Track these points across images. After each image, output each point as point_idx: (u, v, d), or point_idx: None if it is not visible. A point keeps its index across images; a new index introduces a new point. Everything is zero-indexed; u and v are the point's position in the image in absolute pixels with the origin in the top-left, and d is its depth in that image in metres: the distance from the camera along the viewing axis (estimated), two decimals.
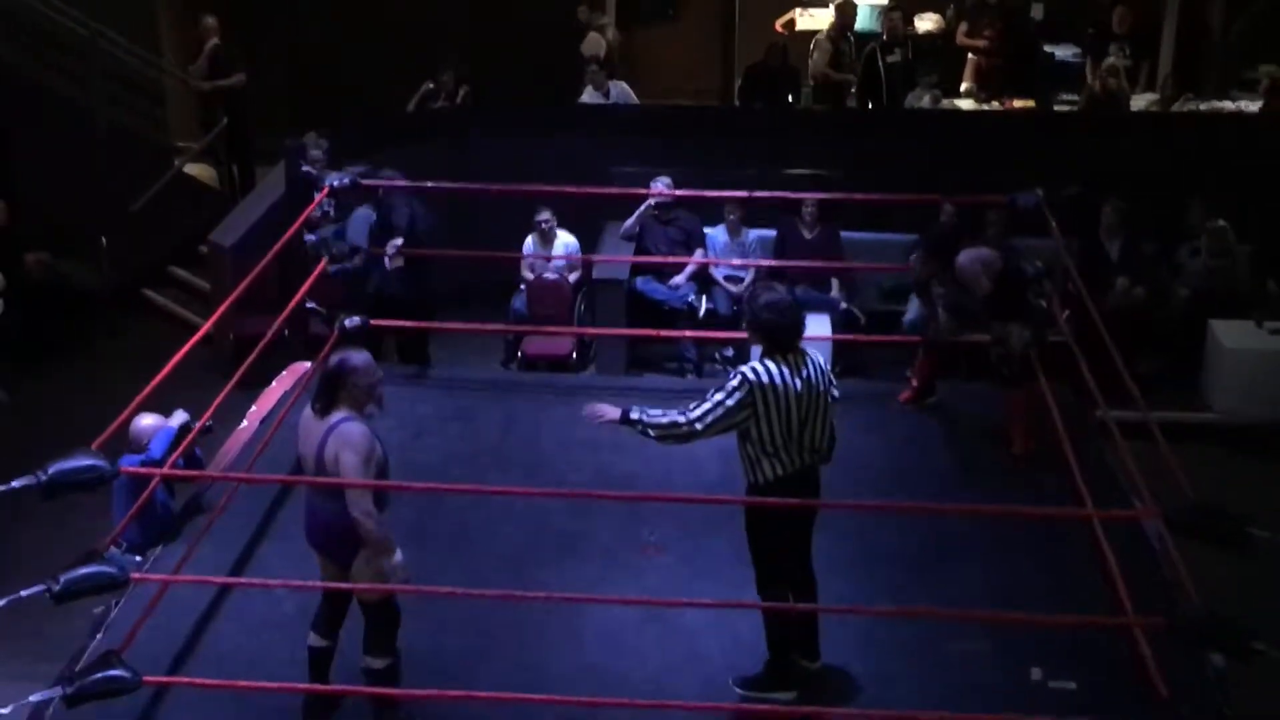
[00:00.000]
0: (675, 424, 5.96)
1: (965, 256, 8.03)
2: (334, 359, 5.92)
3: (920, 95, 14.27)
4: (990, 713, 5.92)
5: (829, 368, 6.28)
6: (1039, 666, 6.33)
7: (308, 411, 5.98)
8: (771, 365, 6.00)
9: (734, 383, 5.96)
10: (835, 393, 6.22)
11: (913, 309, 11.32)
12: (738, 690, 6.22)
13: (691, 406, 5.98)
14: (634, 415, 6.03)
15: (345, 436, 5.76)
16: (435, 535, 7.37)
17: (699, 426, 5.94)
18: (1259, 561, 5.99)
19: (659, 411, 6.03)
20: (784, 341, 6.06)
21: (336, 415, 5.82)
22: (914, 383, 8.74)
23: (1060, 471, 7.63)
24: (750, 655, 6.42)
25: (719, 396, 5.96)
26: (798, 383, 5.99)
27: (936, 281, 8.38)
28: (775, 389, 5.94)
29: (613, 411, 6.10)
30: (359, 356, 5.93)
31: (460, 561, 7.10)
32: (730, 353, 11.80)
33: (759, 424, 5.95)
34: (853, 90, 14.84)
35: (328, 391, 5.86)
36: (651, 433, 6.02)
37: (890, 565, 7.11)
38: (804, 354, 6.10)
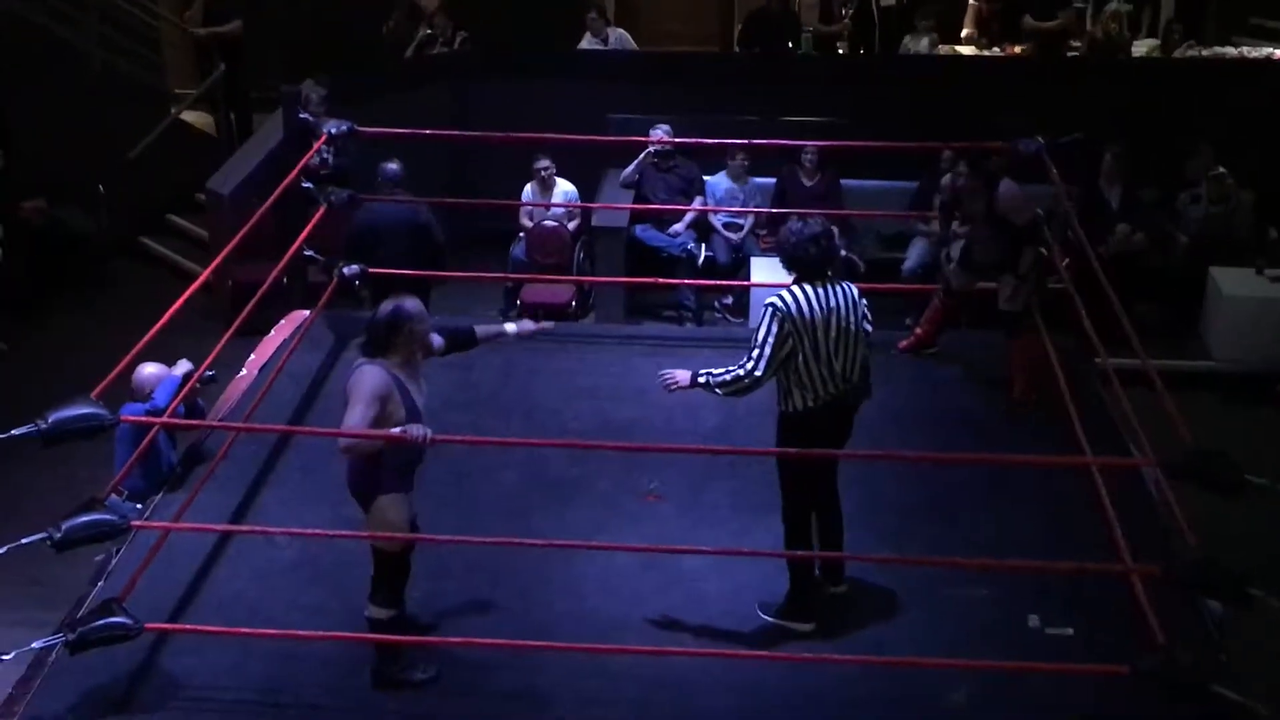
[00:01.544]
0: (738, 378, 6.10)
1: (1009, 184, 8.02)
2: (387, 306, 5.87)
3: (918, 39, 14.20)
4: (988, 659, 5.94)
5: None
6: (1036, 613, 6.36)
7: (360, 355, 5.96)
8: (798, 293, 6.13)
9: (766, 317, 6.10)
10: (868, 326, 6.32)
11: (913, 256, 11.31)
12: (761, 613, 6.34)
13: (744, 358, 6.10)
14: (701, 379, 6.18)
15: (357, 379, 5.77)
16: (434, 483, 7.36)
17: (757, 373, 6.08)
18: (1257, 508, 6.02)
19: (722, 370, 6.14)
20: (812, 271, 6.18)
21: (368, 359, 5.82)
22: (917, 332, 8.71)
23: (1059, 419, 7.63)
24: (750, 601, 6.45)
25: (759, 336, 6.10)
26: (826, 311, 6.11)
27: (958, 222, 8.31)
28: (802, 316, 6.07)
29: (684, 377, 6.24)
30: (412, 303, 5.89)
31: (459, 509, 7.10)
32: (729, 300, 11.80)
33: (796, 348, 6.10)
34: (844, 36, 14.79)
35: (382, 338, 5.82)
36: (719, 391, 6.16)
37: (889, 513, 7.12)
38: (836, 285, 6.22)
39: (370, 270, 9.00)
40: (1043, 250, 8.65)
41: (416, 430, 5.70)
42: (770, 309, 6.09)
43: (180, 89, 14.81)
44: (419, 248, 9.59)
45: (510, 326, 6.75)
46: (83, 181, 12.63)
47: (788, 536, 6.41)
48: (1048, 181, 8.82)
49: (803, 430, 6.25)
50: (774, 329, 6.06)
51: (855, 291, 6.30)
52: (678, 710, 5.85)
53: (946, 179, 8.30)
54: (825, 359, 6.14)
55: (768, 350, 6.06)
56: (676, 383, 6.27)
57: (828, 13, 14.99)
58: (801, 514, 6.41)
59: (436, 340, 6.26)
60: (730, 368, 6.12)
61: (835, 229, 6.37)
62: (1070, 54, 14.66)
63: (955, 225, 8.46)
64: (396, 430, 5.72)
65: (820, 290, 6.15)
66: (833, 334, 6.13)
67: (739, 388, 6.12)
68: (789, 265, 6.28)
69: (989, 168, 8.20)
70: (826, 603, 6.45)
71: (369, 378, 5.75)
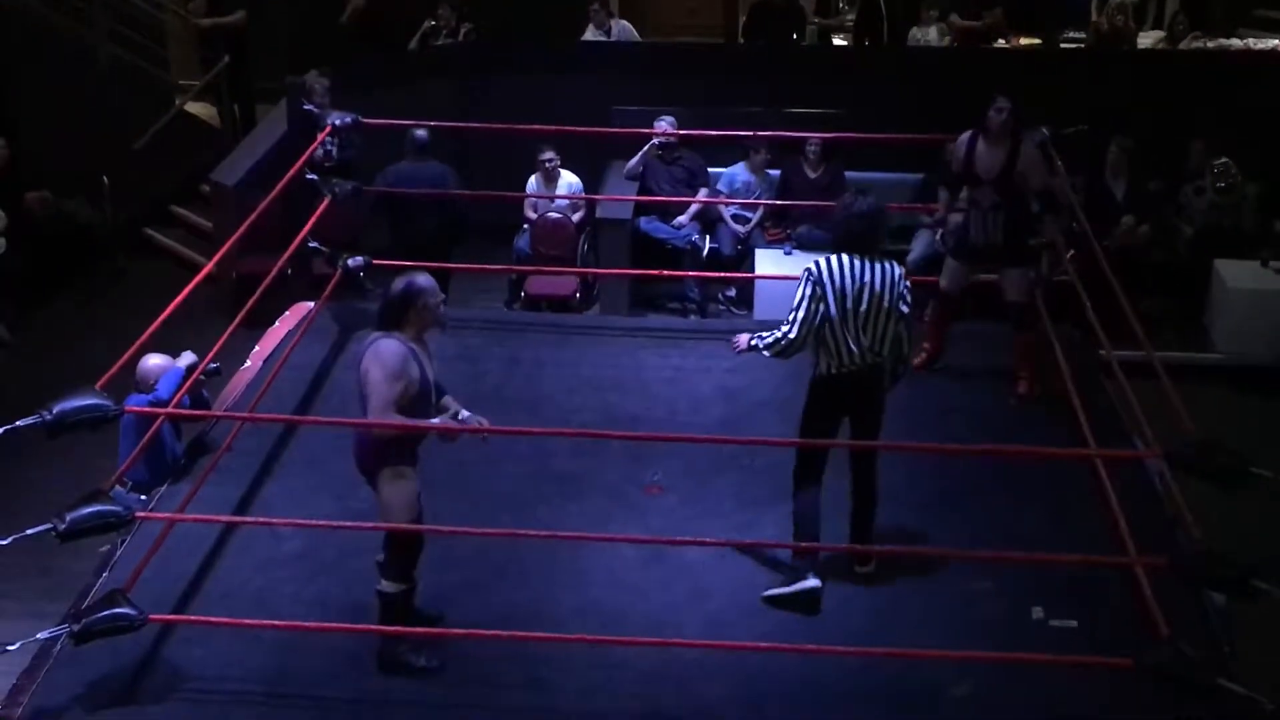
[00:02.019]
0: (776, 340, 6.44)
1: (1031, 144, 7.96)
2: (400, 282, 5.91)
3: (926, 29, 14.18)
4: (992, 650, 5.94)
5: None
6: (1040, 605, 6.36)
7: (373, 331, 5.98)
8: (834, 261, 6.36)
9: (801, 280, 6.39)
10: (904, 308, 6.44)
11: (917, 248, 11.28)
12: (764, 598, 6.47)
13: (783, 321, 6.42)
14: (752, 341, 6.56)
15: (377, 351, 5.78)
16: (438, 474, 7.37)
17: (791, 335, 6.39)
18: (1261, 500, 6.01)
19: (768, 334, 6.48)
20: (854, 244, 6.39)
21: (384, 334, 5.84)
22: (925, 347, 8.50)
23: (1064, 411, 7.63)
24: (753, 594, 6.46)
25: (795, 299, 6.38)
26: (859, 283, 6.32)
27: (968, 186, 8.17)
28: (833, 282, 6.32)
29: (743, 340, 6.63)
30: (424, 278, 5.94)
31: (463, 501, 7.10)
32: (733, 293, 11.80)
33: (822, 312, 6.33)
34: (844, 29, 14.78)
35: (396, 315, 5.86)
36: (766, 352, 6.51)
37: (895, 505, 7.10)
38: (878, 262, 6.40)
39: (397, 230, 9.31)
40: (1053, 241, 8.63)
41: (470, 422, 5.93)
42: (805, 273, 6.37)
43: (184, 80, 14.80)
44: (445, 210, 10.10)
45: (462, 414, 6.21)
46: (87, 172, 12.63)
47: (794, 493, 6.59)
48: (1053, 173, 8.81)
49: (825, 394, 6.51)
50: (806, 292, 6.33)
51: (897, 272, 6.43)
52: (680, 701, 5.86)
53: (962, 138, 8.08)
54: (853, 329, 6.34)
55: (800, 313, 6.33)
56: (739, 346, 6.63)
57: (825, 6, 14.97)
58: (809, 473, 6.55)
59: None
60: (773, 332, 6.45)
61: (884, 207, 6.57)
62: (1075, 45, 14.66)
63: (957, 200, 8.31)
64: (445, 421, 5.90)
65: (858, 262, 6.34)
66: (864, 306, 6.31)
67: (778, 349, 6.42)
68: (834, 235, 6.54)
69: (1020, 119, 8.05)
70: (837, 594, 6.47)
71: (388, 352, 5.78)
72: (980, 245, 8.11)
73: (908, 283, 6.48)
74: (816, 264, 6.35)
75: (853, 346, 6.36)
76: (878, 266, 6.37)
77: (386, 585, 5.96)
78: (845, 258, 6.35)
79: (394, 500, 5.88)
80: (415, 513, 5.96)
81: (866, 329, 6.35)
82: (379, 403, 5.72)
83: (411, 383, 5.80)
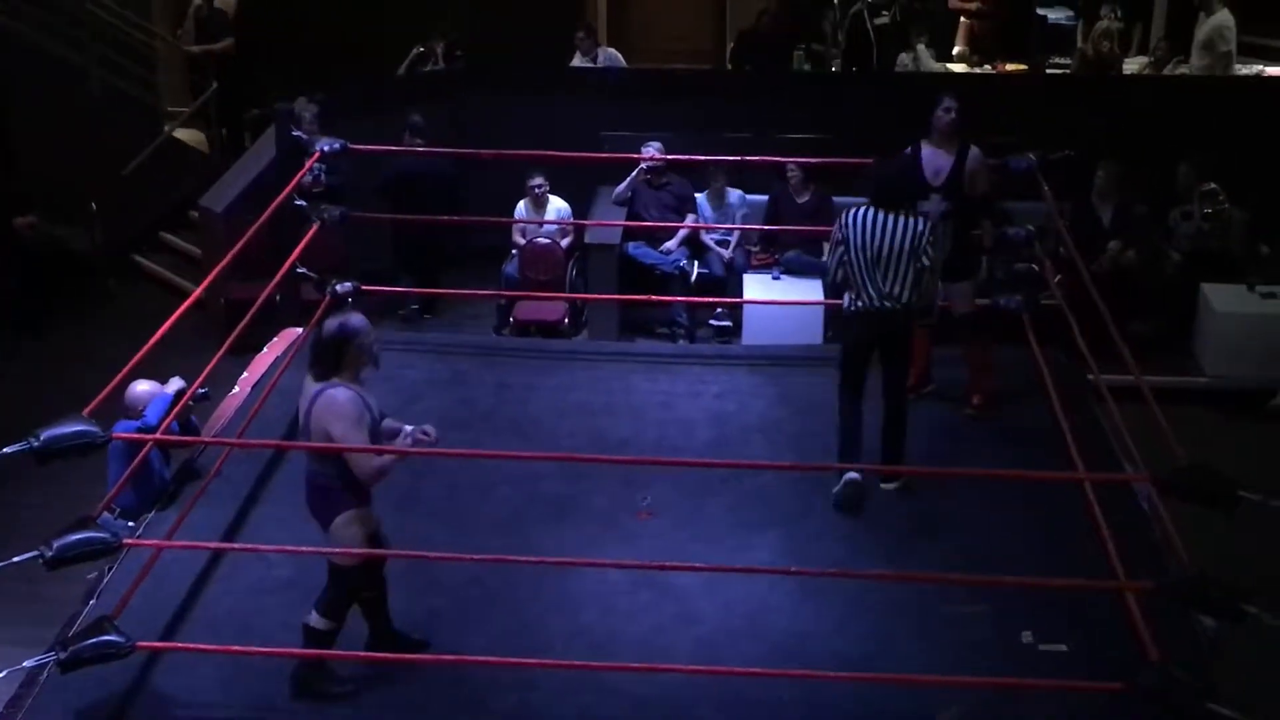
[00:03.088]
0: (826, 273, 7.61)
1: (977, 151, 8.04)
2: (332, 324, 5.90)
3: (923, 55, 14.23)
4: (982, 675, 5.94)
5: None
6: (1030, 629, 6.36)
7: (308, 377, 5.96)
8: (861, 210, 7.14)
9: (834, 228, 7.27)
10: (925, 260, 7.11)
11: None
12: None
13: None
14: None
15: (330, 405, 5.75)
16: (428, 499, 7.38)
17: (830, 270, 7.53)
18: (1250, 524, 6.02)
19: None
20: (882, 198, 7.16)
21: (331, 380, 5.82)
22: (912, 371, 8.53)
23: (1052, 435, 7.64)
24: (743, 618, 6.45)
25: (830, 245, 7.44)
26: (882, 230, 7.08)
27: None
28: (857, 227, 7.11)
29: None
30: (357, 319, 5.93)
31: (453, 525, 7.11)
32: (722, 317, 11.78)
33: (846, 256, 7.15)
34: (836, 57, 14.82)
35: (330, 356, 5.84)
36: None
37: (884, 529, 7.13)
38: (907, 216, 7.12)
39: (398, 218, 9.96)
40: (1034, 265, 8.65)
41: (421, 435, 5.85)
42: (836, 222, 7.25)
43: (174, 106, 14.82)
44: (444, 194, 11.32)
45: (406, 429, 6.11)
46: (76, 198, 12.63)
47: (837, 409, 7.37)
48: (1040, 198, 8.85)
49: (851, 327, 7.37)
50: (834, 235, 7.25)
51: (921, 226, 7.11)
52: None
53: (902, 154, 8.15)
54: (872, 272, 7.09)
55: (834, 256, 7.29)
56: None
57: (818, 32, 15.04)
58: (847, 391, 7.33)
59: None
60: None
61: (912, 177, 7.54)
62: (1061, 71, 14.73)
63: None
64: (406, 442, 5.86)
65: (882, 215, 7.09)
66: (885, 252, 7.06)
67: (830, 283, 7.66)
68: (868, 191, 7.31)
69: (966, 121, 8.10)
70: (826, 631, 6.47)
71: (345, 401, 5.77)
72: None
73: (931, 238, 7.13)
74: (848, 212, 7.19)
75: (871, 290, 7.12)
76: (901, 219, 7.09)
77: (317, 621, 5.96)
78: (871, 211, 7.12)
79: (350, 544, 5.88)
80: (365, 557, 5.96)
81: (886, 274, 7.08)
82: (354, 454, 5.73)
83: (370, 423, 5.85)
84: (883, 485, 7.39)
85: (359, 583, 5.99)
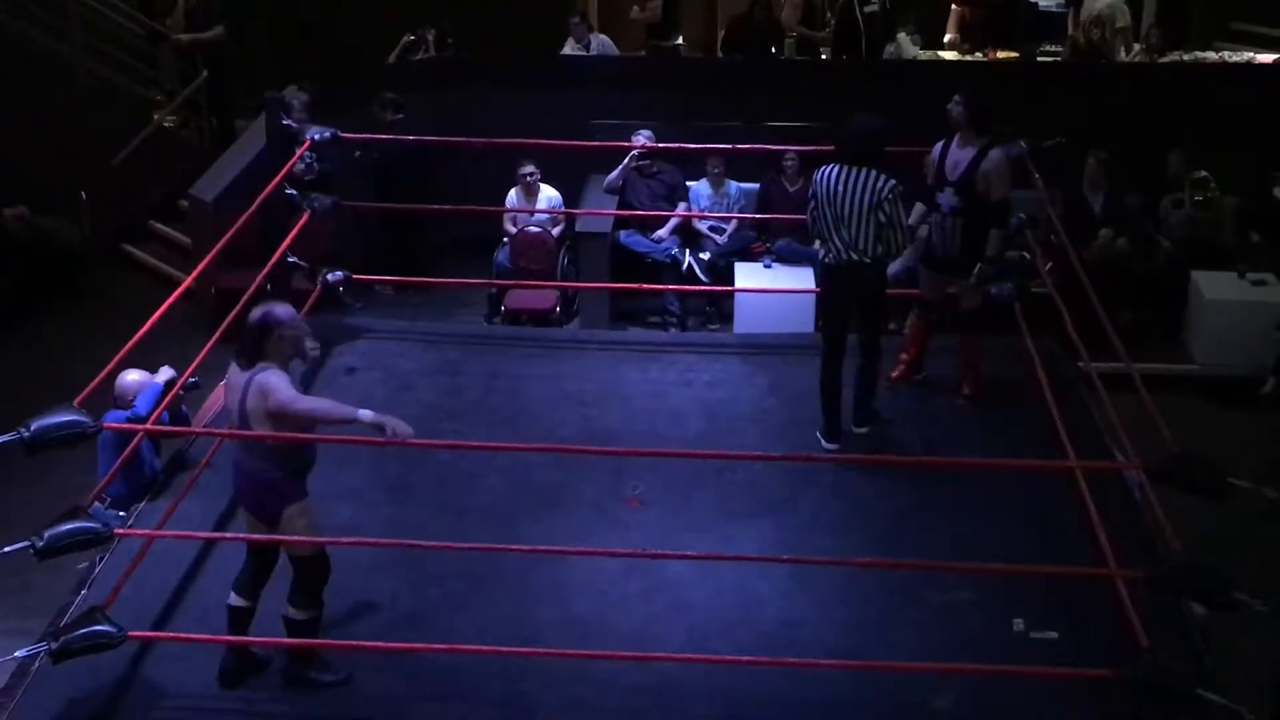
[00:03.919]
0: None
1: (999, 154, 7.95)
2: (258, 311, 5.87)
3: (904, 43, 14.21)
4: (973, 663, 5.95)
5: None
6: (1021, 617, 6.37)
7: (234, 366, 5.92)
8: (830, 170, 7.50)
9: None
10: (881, 216, 7.38)
11: (897, 262, 11.27)
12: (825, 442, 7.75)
13: None
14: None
15: (262, 388, 5.71)
16: (419, 489, 7.38)
17: (810, 231, 7.80)
18: (1240, 511, 6.03)
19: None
20: (845, 154, 7.51)
21: (258, 367, 5.78)
22: (903, 359, 8.52)
23: (1043, 423, 7.65)
24: (733, 606, 6.46)
25: None
26: (844, 186, 7.41)
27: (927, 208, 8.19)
28: (821, 184, 7.50)
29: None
30: (282, 309, 5.90)
31: (444, 515, 7.11)
32: (714, 306, 11.77)
33: (815, 210, 7.55)
34: (826, 45, 14.79)
35: (253, 344, 5.82)
36: None
37: (875, 518, 7.13)
38: (866, 171, 7.41)
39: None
40: (1025, 254, 8.65)
41: (401, 427, 5.75)
42: (813, 177, 7.63)
43: (162, 96, 14.75)
44: (416, 178, 11.50)
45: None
46: (65, 189, 12.59)
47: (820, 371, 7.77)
48: (1031, 186, 8.84)
49: (825, 280, 7.78)
50: (810, 190, 7.61)
51: (881, 184, 7.37)
52: (661, 715, 5.85)
53: (937, 146, 8.09)
54: (836, 226, 7.45)
55: (808, 206, 7.63)
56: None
57: (809, 14, 15.00)
58: (828, 357, 7.74)
59: (314, 349, 6.25)
60: None
61: (885, 130, 7.57)
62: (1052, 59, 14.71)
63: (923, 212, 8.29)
64: (367, 418, 5.74)
65: (849, 172, 7.42)
66: (846, 207, 7.39)
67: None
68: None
69: (990, 125, 8.07)
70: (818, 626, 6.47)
71: (276, 379, 5.73)
72: (940, 255, 8.12)
73: (890, 196, 7.36)
74: (816, 171, 7.56)
75: (837, 242, 7.47)
76: (860, 174, 7.39)
77: (297, 613, 5.97)
78: (838, 168, 7.46)
79: (304, 533, 5.88)
80: (323, 545, 5.97)
81: (847, 226, 7.40)
82: (295, 395, 5.73)
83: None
84: (855, 429, 7.82)
85: (325, 567, 5.98)
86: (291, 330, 5.85)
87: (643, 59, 14.82)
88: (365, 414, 5.77)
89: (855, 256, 7.47)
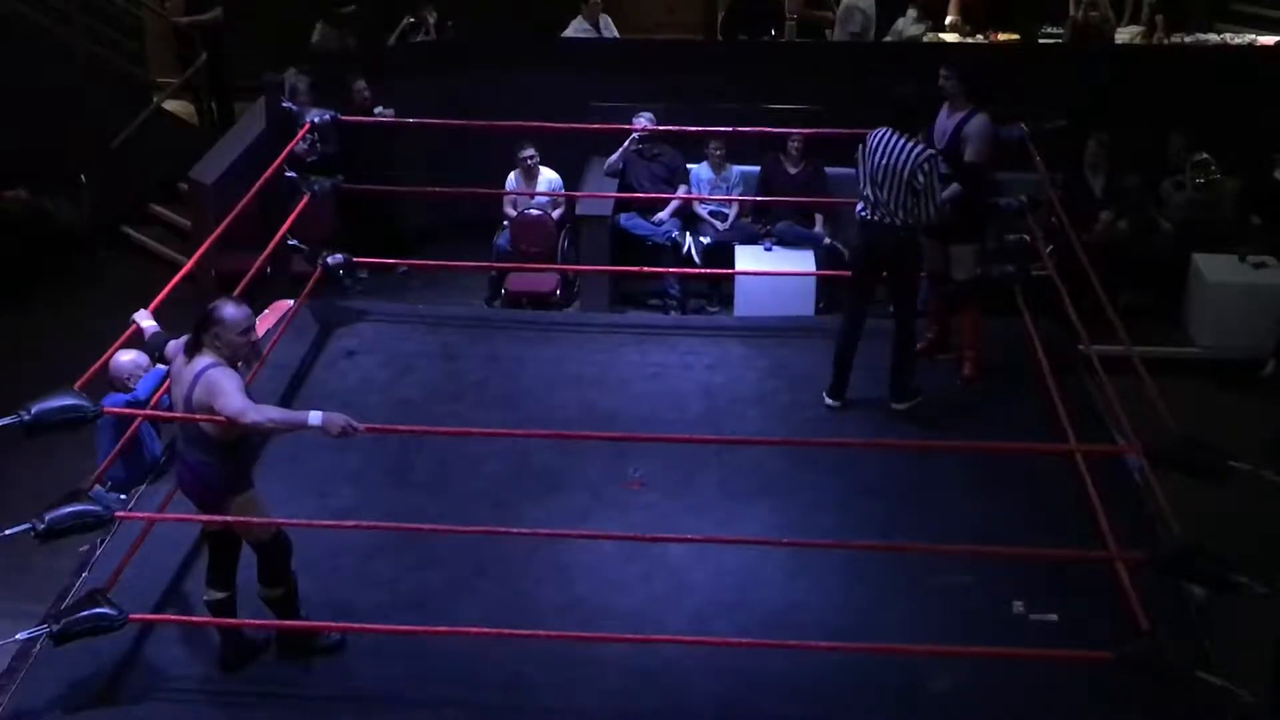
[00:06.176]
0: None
1: (983, 119, 8.00)
2: (213, 304, 5.79)
3: (907, 25, 14.17)
4: (973, 645, 5.96)
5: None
6: (1021, 599, 6.38)
7: (180, 356, 5.83)
8: (879, 130, 7.68)
9: None
10: (916, 185, 7.52)
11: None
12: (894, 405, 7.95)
13: None
14: None
15: (212, 383, 5.61)
16: (419, 472, 7.38)
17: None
18: (1240, 494, 6.03)
19: None
20: (893, 121, 7.65)
21: (202, 361, 5.69)
22: (929, 336, 8.53)
23: (1043, 406, 7.65)
24: (734, 588, 6.47)
25: None
26: (885, 150, 7.58)
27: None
28: (867, 146, 7.71)
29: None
30: (229, 308, 5.77)
31: (444, 498, 7.11)
32: (713, 289, 11.76)
33: (860, 168, 7.79)
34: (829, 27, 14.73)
35: (194, 335, 5.75)
36: None
37: (876, 500, 7.13)
38: (908, 139, 7.57)
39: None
40: (1025, 236, 8.64)
41: (341, 421, 5.66)
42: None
43: (162, 78, 14.73)
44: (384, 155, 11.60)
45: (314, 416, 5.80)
46: (65, 171, 12.58)
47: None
48: (1031, 168, 8.83)
49: (859, 236, 8.01)
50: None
51: (919, 152, 7.50)
52: (662, 698, 5.87)
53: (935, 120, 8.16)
54: (867, 185, 7.70)
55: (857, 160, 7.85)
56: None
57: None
58: (847, 305, 8.12)
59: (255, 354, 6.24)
60: None
61: (929, 101, 7.94)
62: (1053, 41, 14.67)
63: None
64: (316, 420, 5.67)
65: (892, 137, 7.59)
66: (885, 171, 7.56)
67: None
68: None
69: (979, 91, 8.12)
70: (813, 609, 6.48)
71: (223, 376, 5.64)
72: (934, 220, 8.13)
73: (926, 166, 7.48)
74: (870, 133, 7.72)
75: (871, 201, 7.68)
76: (903, 141, 7.55)
77: (269, 591, 5.98)
78: (884, 132, 7.62)
79: (254, 517, 5.87)
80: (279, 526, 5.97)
81: (881, 187, 7.59)
82: (246, 407, 5.57)
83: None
84: (893, 405, 7.94)
85: (285, 545, 5.97)
86: (230, 334, 5.72)
87: (644, 41, 14.77)
88: (314, 417, 5.67)
89: (886, 218, 7.63)
